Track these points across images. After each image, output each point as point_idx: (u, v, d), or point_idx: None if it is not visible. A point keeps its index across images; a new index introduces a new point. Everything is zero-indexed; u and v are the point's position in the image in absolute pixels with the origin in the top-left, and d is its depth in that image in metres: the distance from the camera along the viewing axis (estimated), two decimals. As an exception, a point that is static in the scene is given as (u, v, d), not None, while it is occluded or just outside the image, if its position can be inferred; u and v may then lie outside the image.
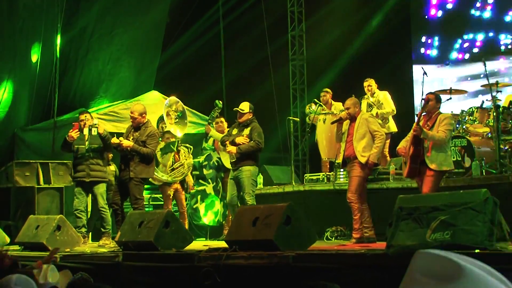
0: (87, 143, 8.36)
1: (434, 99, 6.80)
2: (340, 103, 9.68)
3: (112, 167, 10.25)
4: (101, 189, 8.44)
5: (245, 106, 8.10)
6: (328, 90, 10.15)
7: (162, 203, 10.89)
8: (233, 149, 7.85)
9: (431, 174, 6.58)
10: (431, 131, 6.61)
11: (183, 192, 9.38)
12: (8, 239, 8.55)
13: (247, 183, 7.86)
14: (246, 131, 8.00)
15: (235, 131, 8.12)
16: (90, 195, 9.00)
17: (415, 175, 6.77)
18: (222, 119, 9.39)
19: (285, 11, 14.54)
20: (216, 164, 9.40)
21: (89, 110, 12.28)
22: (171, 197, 9.23)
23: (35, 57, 12.58)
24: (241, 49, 14.52)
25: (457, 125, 8.86)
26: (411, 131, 6.73)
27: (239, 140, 7.88)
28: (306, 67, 14.47)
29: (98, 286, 3.63)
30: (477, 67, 12.20)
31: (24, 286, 2.85)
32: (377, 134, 7.21)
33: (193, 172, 9.59)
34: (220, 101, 8.98)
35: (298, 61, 14.52)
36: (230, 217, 8.67)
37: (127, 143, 7.95)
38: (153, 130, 8.19)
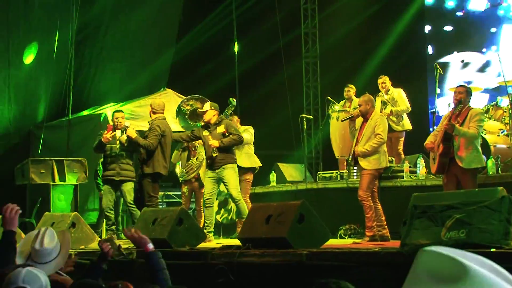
0: (118, 142, 8.40)
1: (465, 92, 6.56)
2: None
3: None
4: (128, 186, 8.49)
5: (206, 106, 8.07)
6: (352, 86, 10.07)
7: (175, 200, 10.94)
8: (215, 143, 7.80)
9: (465, 172, 6.42)
10: (462, 126, 6.42)
11: (202, 191, 9.40)
12: (23, 235, 8.61)
13: (233, 180, 7.88)
14: (220, 129, 7.96)
15: (206, 133, 8.03)
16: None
17: (443, 171, 6.62)
18: (236, 117, 9.38)
19: (298, 5, 14.50)
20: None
21: (103, 108, 12.37)
22: (186, 194, 9.25)
23: (30, 57, 12.66)
24: (252, 43, 14.51)
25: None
26: (439, 126, 6.57)
27: (214, 143, 7.81)
28: (320, 63, 14.42)
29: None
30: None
31: (32, 281, 2.84)
32: (378, 136, 7.09)
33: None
34: (234, 99, 8.97)
35: (311, 58, 14.48)
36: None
37: (130, 132, 8.13)
38: (155, 124, 8.22)
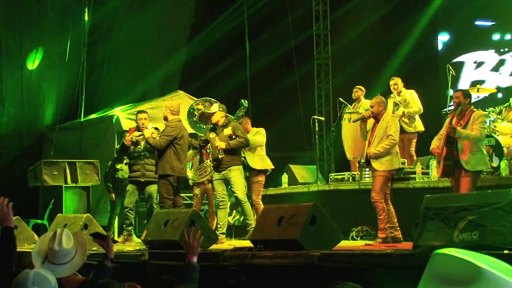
0: (142, 143, 8.43)
1: (461, 96, 6.68)
2: (369, 102, 9.61)
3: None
4: (153, 188, 8.52)
5: (214, 108, 8.08)
6: (361, 87, 10.06)
7: (187, 202, 10.94)
8: (221, 144, 7.83)
9: (468, 175, 6.48)
10: (465, 129, 6.50)
11: (215, 193, 9.41)
12: (36, 237, 8.66)
13: (238, 181, 7.92)
14: (227, 131, 7.98)
15: (212, 135, 8.05)
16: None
17: (449, 175, 6.67)
18: (247, 118, 9.38)
19: (310, 7, 14.49)
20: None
21: (115, 110, 12.41)
22: (198, 196, 9.25)
23: (35, 63, 12.73)
24: (263, 45, 14.51)
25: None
26: (443, 129, 6.63)
27: (220, 144, 7.83)
28: (331, 65, 14.40)
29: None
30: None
31: (41, 283, 2.84)
32: (390, 138, 7.07)
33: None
34: (246, 101, 8.98)
35: (323, 60, 14.46)
36: (255, 216, 8.68)
37: (146, 131, 8.12)
38: (170, 125, 8.15)
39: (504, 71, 12.24)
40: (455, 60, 12.79)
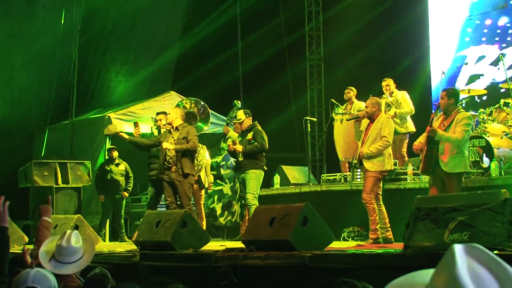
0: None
1: (445, 96, 6.59)
2: (362, 103, 9.64)
3: (122, 166, 10.30)
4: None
5: (240, 115, 8.48)
6: (352, 88, 10.09)
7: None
8: (239, 147, 8.21)
9: (448, 176, 6.47)
10: (448, 131, 6.47)
11: (202, 193, 9.39)
12: (26, 239, 8.64)
13: (251, 184, 8.19)
14: (249, 135, 8.34)
15: (239, 139, 8.47)
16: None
17: (428, 173, 6.68)
18: (248, 112, 9.37)
19: (302, 7, 14.49)
20: (234, 164, 9.39)
21: (107, 110, 12.38)
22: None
23: None
24: (255, 45, 14.50)
25: (476, 125, 8.78)
26: (426, 131, 6.64)
27: (238, 147, 8.22)
28: (324, 66, 14.42)
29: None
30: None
31: (42, 282, 2.84)
32: (384, 139, 7.09)
33: (211, 172, 9.61)
34: (239, 101, 9.03)
35: (315, 60, 14.48)
36: (247, 217, 8.71)
37: (167, 145, 7.99)
38: (191, 129, 8.20)
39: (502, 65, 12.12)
40: (458, 54, 12.75)
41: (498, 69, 10.91)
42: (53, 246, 3.74)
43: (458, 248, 1.28)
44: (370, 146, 7.11)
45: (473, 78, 12.21)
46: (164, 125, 8.40)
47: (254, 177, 8.22)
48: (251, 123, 8.43)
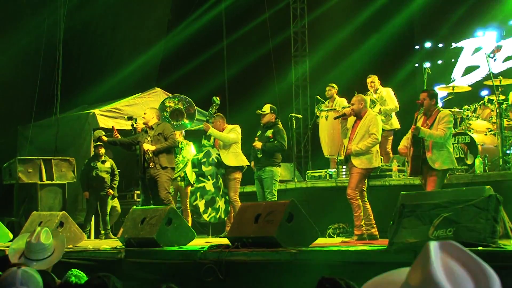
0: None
1: (427, 97, 6.72)
2: (344, 99, 9.67)
3: (108, 164, 10.25)
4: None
5: (266, 108, 8.57)
6: (334, 85, 10.13)
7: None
8: (258, 144, 8.37)
9: (434, 173, 6.55)
10: (431, 129, 6.57)
11: (187, 190, 9.36)
12: (11, 235, 8.57)
13: (269, 182, 8.32)
14: (269, 132, 8.43)
15: (259, 133, 8.57)
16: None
17: (418, 174, 6.76)
18: (221, 115, 9.34)
19: (287, 5, 14.47)
20: (216, 160, 9.35)
21: (92, 107, 12.31)
22: (172, 193, 9.20)
23: None
24: (241, 42, 14.46)
25: (460, 122, 8.84)
26: (411, 130, 6.70)
27: (257, 144, 8.39)
28: (309, 63, 14.41)
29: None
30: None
31: (29, 282, 2.79)
32: (373, 136, 7.13)
33: (193, 170, 9.55)
34: (218, 98, 9.01)
35: (300, 58, 14.48)
36: (232, 213, 8.71)
37: (147, 146, 8.12)
38: (165, 125, 8.34)
39: (499, 56, 12.13)
40: (454, 45, 12.78)
41: (495, 60, 10.96)
42: (23, 243, 3.70)
43: (433, 245, 1.29)
44: (358, 143, 7.14)
45: (469, 70, 12.27)
46: (141, 124, 8.41)
47: (271, 175, 8.36)
48: (274, 120, 8.52)
